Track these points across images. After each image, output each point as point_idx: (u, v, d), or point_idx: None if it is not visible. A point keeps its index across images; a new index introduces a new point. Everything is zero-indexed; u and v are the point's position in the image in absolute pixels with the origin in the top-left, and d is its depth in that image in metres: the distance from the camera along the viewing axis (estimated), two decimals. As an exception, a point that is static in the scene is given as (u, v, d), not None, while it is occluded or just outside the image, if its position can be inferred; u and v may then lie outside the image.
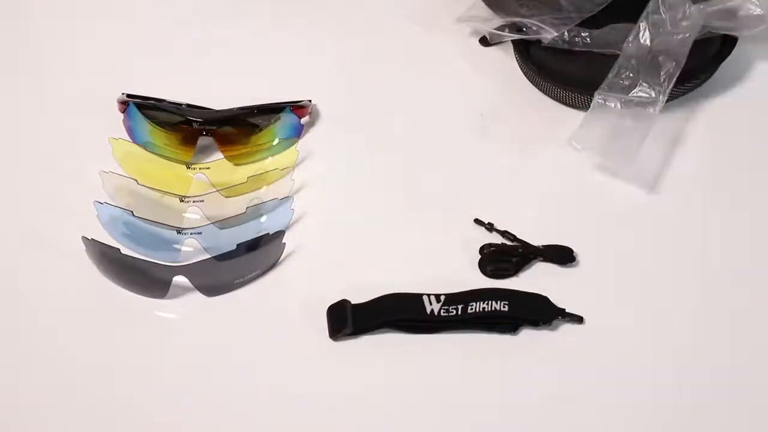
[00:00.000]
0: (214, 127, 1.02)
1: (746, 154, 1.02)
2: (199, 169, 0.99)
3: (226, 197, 0.97)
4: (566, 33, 1.05)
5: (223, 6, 1.19)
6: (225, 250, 0.90)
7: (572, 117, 1.04)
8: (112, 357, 0.88)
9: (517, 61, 1.08)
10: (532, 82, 1.07)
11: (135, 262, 0.89)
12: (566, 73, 1.05)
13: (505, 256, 0.92)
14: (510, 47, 1.09)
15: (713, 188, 0.99)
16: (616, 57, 1.03)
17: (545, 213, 0.97)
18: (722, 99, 1.06)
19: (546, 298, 0.88)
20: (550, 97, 1.06)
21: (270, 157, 1.01)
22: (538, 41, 1.06)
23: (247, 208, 0.95)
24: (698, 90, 1.04)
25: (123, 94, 1.05)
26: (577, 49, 1.06)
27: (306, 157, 1.02)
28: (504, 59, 1.10)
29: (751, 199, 0.98)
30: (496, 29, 1.10)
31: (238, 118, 1.03)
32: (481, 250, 0.93)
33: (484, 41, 1.12)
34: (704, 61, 1.03)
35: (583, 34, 1.05)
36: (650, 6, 1.00)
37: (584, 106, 1.03)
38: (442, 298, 0.87)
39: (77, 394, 0.86)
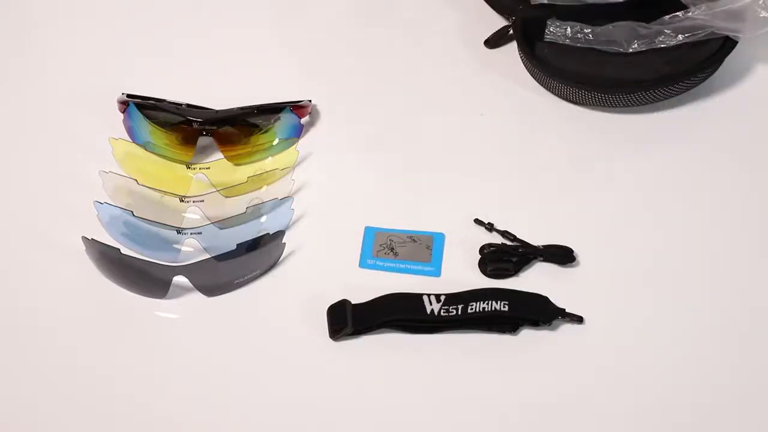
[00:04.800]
0: (214, 127, 1.02)
1: (746, 153, 1.02)
2: (199, 169, 0.99)
3: (226, 197, 0.97)
4: (569, 29, 1.06)
5: (224, 6, 1.19)
6: (225, 250, 0.90)
7: (575, 115, 1.04)
8: (112, 357, 0.88)
9: (522, 59, 1.08)
10: (536, 80, 1.07)
11: (135, 262, 0.89)
12: (569, 70, 1.05)
13: (505, 256, 0.92)
14: (513, 49, 1.09)
15: (713, 187, 0.99)
16: (618, 54, 1.04)
17: (545, 213, 0.97)
18: (722, 97, 1.06)
19: (546, 298, 0.88)
20: (554, 94, 1.06)
21: (270, 157, 1.01)
22: (542, 40, 1.07)
23: (247, 208, 0.95)
24: (698, 88, 1.04)
25: (123, 94, 1.05)
26: (579, 45, 1.06)
27: (306, 157, 1.02)
28: (508, 60, 1.10)
29: (751, 198, 0.98)
30: (500, 29, 1.10)
31: (238, 118, 1.03)
32: (481, 250, 0.93)
33: (489, 42, 1.12)
34: (704, 61, 1.03)
35: (585, 31, 1.06)
36: None
37: (586, 103, 1.04)
38: (442, 298, 0.87)
39: (77, 394, 0.86)
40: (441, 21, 1.15)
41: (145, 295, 0.91)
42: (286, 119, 1.03)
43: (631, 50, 1.05)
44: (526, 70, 1.08)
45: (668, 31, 1.03)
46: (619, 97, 1.02)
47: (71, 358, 0.88)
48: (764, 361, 0.86)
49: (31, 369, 0.88)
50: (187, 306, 0.91)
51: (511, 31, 1.10)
